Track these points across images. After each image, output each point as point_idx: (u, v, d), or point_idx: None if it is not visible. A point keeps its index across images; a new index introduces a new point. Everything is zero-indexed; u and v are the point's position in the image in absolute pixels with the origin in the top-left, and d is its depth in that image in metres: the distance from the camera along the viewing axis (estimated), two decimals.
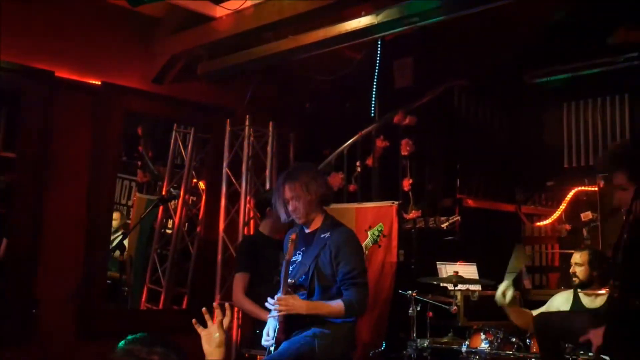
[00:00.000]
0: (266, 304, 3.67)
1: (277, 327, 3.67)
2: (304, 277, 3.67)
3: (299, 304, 3.56)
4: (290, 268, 3.71)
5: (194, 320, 2.68)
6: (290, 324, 3.64)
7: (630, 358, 3.18)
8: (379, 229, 4.93)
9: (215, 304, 2.68)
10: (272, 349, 3.71)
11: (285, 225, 4.74)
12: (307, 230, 3.82)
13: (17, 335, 4.97)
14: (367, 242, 4.82)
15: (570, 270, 4.80)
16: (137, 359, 1.98)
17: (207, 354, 2.56)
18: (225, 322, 2.62)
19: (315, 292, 3.63)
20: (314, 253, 3.66)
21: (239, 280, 4.74)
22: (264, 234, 4.95)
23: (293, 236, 3.67)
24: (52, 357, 5.12)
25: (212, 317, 2.62)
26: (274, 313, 3.66)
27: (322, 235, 3.70)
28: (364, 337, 5.21)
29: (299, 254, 3.77)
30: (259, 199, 5.34)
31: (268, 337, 3.76)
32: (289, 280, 3.65)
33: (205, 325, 2.62)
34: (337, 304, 3.56)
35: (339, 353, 3.64)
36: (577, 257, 4.77)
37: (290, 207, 3.75)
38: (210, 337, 2.57)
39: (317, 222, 3.79)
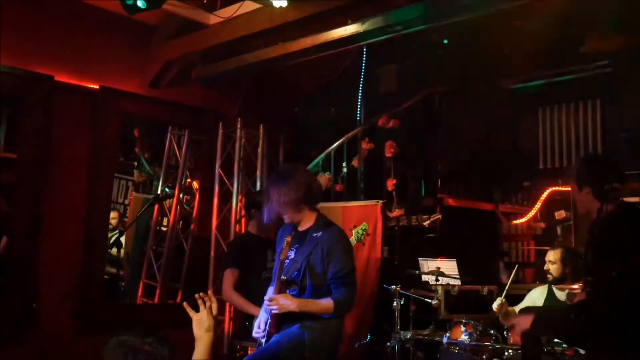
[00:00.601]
0: (265, 297, 3.79)
1: (269, 321, 3.78)
2: (295, 273, 3.76)
3: (290, 303, 3.66)
4: (288, 263, 3.81)
5: (185, 304, 2.81)
6: (281, 318, 3.75)
7: (596, 348, 3.36)
8: (363, 228, 5.03)
9: (202, 294, 2.81)
10: (263, 341, 3.82)
11: (272, 225, 4.83)
12: (299, 229, 3.91)
13: (17, 330, 5.09)
14: (351, 239, 4.97)
15: (545, 268, 4.99)
16: (129, 348, 2.12)
17: (196, 338, 2.68)
18: (214, 308, 2.75)
19: (307, 289, 3.72)
20: (306, 251, 3.76)
21: (229, 276, 4.84)
22: (253, 233, 5.05)
23: (288, 239, 3.76)
24: (51, 351, 5.22)
25: (204, 304, 2.75)
26: (267, 308, 3.77)
27: (314, 235, 3.79)
28: (349, 330, 5.33)
29: (291, 251, 3.86)
30: (245, 202, 5.42)
31: (259, 329, 3.88)
32: (282, 277, 3.75)
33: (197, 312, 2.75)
34: (327, 302, 3.66)
35: (327, 345, 3.74)
36: (551, 255, 4.96)
37: (275, 210, 3.84)
38: (201, 322, 2.70)
39: (309, 221, 3.88)
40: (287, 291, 3.77)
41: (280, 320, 3.76)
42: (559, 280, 4.91)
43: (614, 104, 6.61)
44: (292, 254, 3.84)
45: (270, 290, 3.82)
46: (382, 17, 4.85)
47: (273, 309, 3.68)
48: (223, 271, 5.01)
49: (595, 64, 6.43)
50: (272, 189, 3.83)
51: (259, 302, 4.49)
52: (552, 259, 4.94)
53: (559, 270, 4.89)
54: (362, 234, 5.00)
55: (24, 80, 5.22)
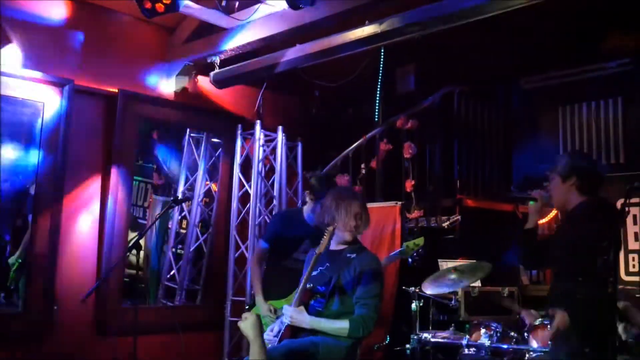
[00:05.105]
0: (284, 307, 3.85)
1: (284, 327, 3.85)
2: (323, 288, 3.81)
3: (302, 319, 3.73)
4: (313, 273, 3.85)
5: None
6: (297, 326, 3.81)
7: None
8: (417, 243, 5.06)
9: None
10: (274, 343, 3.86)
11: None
12: (333, 247, 3.92)
13: (38, 331, 5.17)
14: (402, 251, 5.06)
15: None
16: None
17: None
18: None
19: (335, 302, 3.77)
20: (338, 267, 3.79)
21: (258, 250, 4.90)
22: (302, 215, 4.86)
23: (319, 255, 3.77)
24: (71, 352, 5.32)
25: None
26: (282, 319, 3.85)
27: (349, 255, 3.83)
28: None
29: (321, 268, 3.88)
30: (310, 181, 5.14)
31: (272, 332, 3.93)
32: (307, 285, 3.80)
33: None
34: (342, 324, 3.67)
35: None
36: None
37: (356, 223, 3.85)
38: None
39: (346, 243, 3.93)
40: (312, 302, 3.81)
41: (295, 328, 3.80)
42: None
43: (635, 102, 6.53)
44: (321, 268, 3.88)
45: (295, 301, 3.82)
46: (400, 17, 4.81)
47: (285, 319, 3.76)
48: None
49: (616, 62, 6.36)
50: (341, 200, 3.85)
51: (269, 289, 4.65)
52: None
53: None
54: (413, 249, 5.08)
55: (45, 84, 5.29)
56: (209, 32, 5.73)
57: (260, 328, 2.79)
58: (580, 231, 3.38)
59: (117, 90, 5.72)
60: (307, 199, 4.85)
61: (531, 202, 3.82)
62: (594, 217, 3.44)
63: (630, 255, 5.62)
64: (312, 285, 3.82)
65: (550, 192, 3.69)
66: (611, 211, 3.51)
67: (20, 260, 5.50)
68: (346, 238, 3.86)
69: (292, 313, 3.75)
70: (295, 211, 5.13)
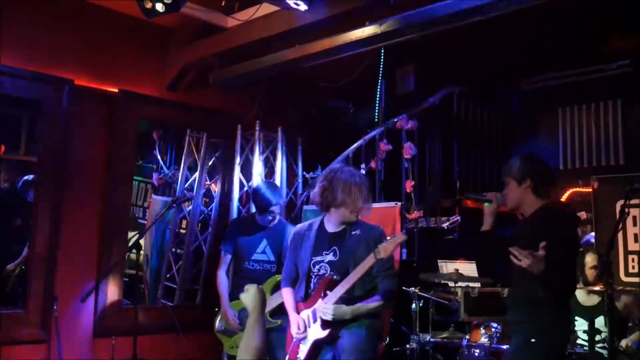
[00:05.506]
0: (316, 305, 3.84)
1: (318, 322, 3.82)
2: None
3: (344, 312, 3.76)
4: (325, 266, 3.88)
5: None
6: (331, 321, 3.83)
7: None
8: None
9: None
10: (303, 347, 3.86)
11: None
12: (332, 230, 3.96)
13: (37, 332, 5.16)
14: None
15: (586, 272, 4.90)
16: None
17: None
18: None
19: (358, 285, 3.79)
20: (348, 250, 3.84)
21: (224, 261, 5.10)
22: (255, 218, 5.07)
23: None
24: (71, 352, 5.31)
25: None
26: (314, 314, 3.83)
27: (353, 232, 3.88)
28: None
29: (326, 254, 3.90)
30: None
31: (299, 330, 3.89)
32: (334, 277, 3.83)
33: None
34: (376, 301, 3.80)
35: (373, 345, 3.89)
36: (594, 259, 4.87)
37: (364, 206, 3.92)
38: None
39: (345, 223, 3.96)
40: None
41: (330, 323, 3.81)
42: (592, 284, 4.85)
43: (635, 104, 6.56)
44: (327, 257, 3.89)
45: (332, 296, 3.79)
46: (400, 18, 4.81)
47: (327, 316, 3.74)
48: None
49: (616, 64, 6.38)
50: (354, 182, 3.87)
51: (233, 292, 4.86)
52: (596, 263, 4.85)
53: (595, 275, 4.84)
54: None
55: (44, 83, 5.28)
56: (210, 33, 5.71)
57: (262, 301, 2.71)
58: (547, 235, 3.33)
59: (117, 90, 5.71)
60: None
61: (486, 204, 3.80)
62: (558, 222, 3.48)
63: (630, 257, 5.63)
64: (334, 276, 3.83)
65: (505, 194, 3.70)
66: (573, 215, 3.55)
67: (23, 267, 5.51)
68: (352, 219, 3.89)
69: (333, 311, 3.73)
70: (248, 217, 5.35)
